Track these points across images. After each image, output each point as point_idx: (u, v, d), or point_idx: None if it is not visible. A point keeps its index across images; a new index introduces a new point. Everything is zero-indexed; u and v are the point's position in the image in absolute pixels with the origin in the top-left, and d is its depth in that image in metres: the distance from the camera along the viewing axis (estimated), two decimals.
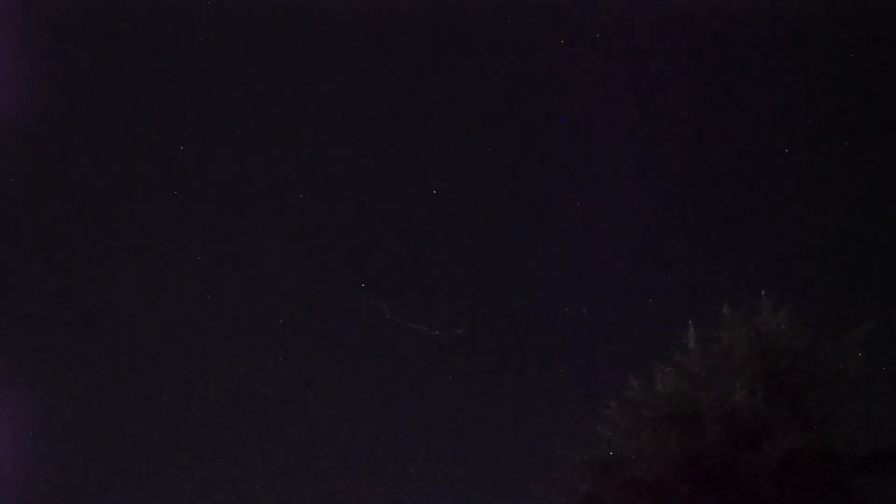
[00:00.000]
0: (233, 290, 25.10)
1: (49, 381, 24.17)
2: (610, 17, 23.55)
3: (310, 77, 24.92)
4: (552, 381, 23.33)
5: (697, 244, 24.00)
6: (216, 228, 25.22)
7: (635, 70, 24.04)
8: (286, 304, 24.89)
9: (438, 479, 22.80)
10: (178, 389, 24.36)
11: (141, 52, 24.82)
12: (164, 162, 25.07)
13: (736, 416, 15.56)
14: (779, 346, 16.19)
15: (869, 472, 15.56)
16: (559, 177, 24.67)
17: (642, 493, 15.69)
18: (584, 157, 24.25)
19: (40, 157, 24.87)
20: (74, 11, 24.11)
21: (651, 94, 24.15)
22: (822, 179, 23.83)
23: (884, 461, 15.51)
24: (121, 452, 23.93)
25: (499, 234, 24.72)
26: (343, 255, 24.92)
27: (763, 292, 16.38)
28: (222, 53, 24.78)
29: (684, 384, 16.27)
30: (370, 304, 23.39)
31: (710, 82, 24.00)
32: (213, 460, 23.75)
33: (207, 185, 25.17)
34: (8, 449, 23.31)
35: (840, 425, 15.82)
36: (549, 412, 22.33)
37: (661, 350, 16.70)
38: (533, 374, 23.79)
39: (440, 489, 22.70)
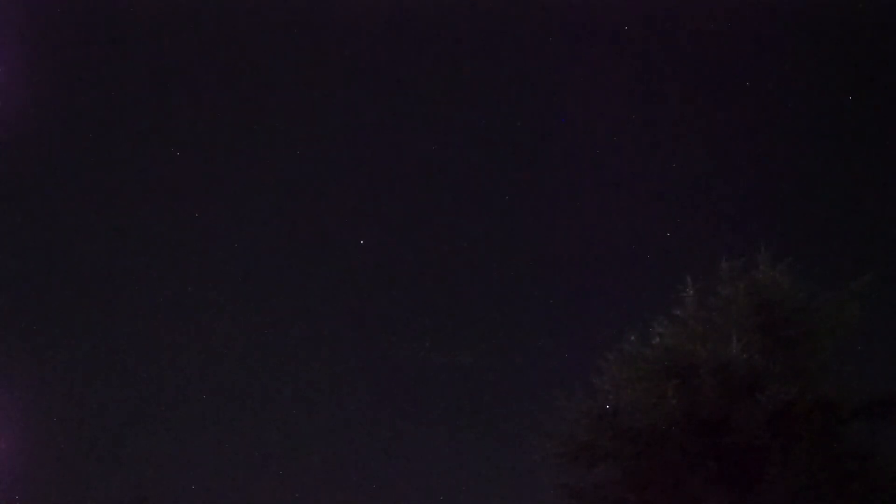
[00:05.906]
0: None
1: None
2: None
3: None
4: (552, 334, 23.54)
5: (697, 198, 24.12)
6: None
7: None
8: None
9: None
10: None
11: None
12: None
13: (731, 368, 15.65)
14: (776, 299, 16.28)
15: (861, 422, 15.76)
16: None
17: (638, 442, 15.87)
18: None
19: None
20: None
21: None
22: (822, 135, 23.90)
23: (876, 411, 15.69)
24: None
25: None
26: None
27: (762, 246, 16.48)
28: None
29: (681, 337, 16.37)
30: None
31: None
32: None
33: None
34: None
35: (834, 376, 15.99)
36: (550, 366, 22.55)
37: (659, 303, 16.84)
38: (533, 328, 23.98)
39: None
